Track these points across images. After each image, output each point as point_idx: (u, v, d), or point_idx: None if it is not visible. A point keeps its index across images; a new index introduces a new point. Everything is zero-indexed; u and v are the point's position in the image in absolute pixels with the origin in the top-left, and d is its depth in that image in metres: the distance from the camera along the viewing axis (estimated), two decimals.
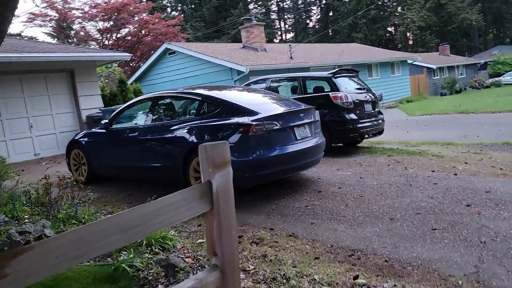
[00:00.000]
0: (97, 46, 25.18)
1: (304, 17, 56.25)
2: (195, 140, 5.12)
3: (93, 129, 6.77)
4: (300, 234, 3.91)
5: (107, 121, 6.35)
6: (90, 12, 24.48)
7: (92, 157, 6.54)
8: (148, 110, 5.91)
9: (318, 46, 26.33)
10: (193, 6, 49.34)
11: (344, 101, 7.41)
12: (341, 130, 7.45)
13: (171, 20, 27.27)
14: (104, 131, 6.34)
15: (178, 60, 17.43)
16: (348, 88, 7.75)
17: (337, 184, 5.58)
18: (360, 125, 7.54)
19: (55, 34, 26.79)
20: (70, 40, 27.33)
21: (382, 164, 6.69)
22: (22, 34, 30.69)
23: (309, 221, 4.24)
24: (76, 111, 11.51)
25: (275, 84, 8.63)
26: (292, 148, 5.02)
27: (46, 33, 27.20)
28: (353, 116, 7.50)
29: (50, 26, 25.48)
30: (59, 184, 5.15)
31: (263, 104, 5.34)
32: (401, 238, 3.65)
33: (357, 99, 7.71)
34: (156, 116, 5.83)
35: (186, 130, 5.25)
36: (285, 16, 57.92)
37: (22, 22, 26.90)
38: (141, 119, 6.02)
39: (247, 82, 9.11)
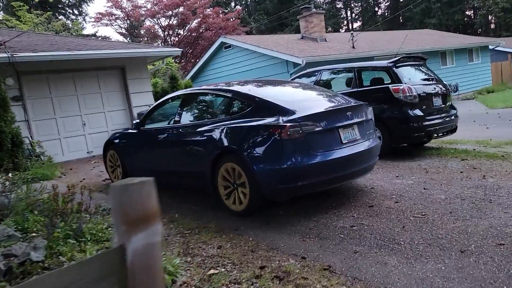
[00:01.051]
0: (160, 44, 25.65)
1: (372, 3, 53.35)
2: (223, 144, 4.45)
3: (127, 129, 6.38)
4: (338, 268, 3.07)
5: (138, 120, 5.91)
6: (152, 9, 24.92)
7: (125, 159, 6.16)
8: (177, 109, 5.35)
9: (383, 34, 24.45)
10: None
11: (407, 94, 6.30)
12: (403, 128, 6.36)
13: (230, 13, 26.96)
14: (136, 131, 5.91)
15: (234, 54, 16.96)
16: (412, 79, 6.61)
17: (394, 196, 4.60)
18: (426, 123, 6.39)
19: (127, 33, 27.72)
20: (140, 39, 28.12)
21: (454, 171, 5.53)
22: (96, 34, 32.34)
23: (352, 249, 3.37)
24: (127, 108, 11.44)
25: (327, 77, 7.70)
26: (336, 154, 4.15)
27: (119, 33, 28.27)
28: (418, 112, 6.36)
29: (116, 25, 26.38)
30: (81, 190, 4.75)
31: (303, 101, 4.51)
32: (476, 284, 2.68)
33: (424, 92, 6.55)
34: (184, 116, 5.25)
35: (214, 132, 4.59)
36: (352, 5, 55.43)
37: (90, 22, 28.06)
38: (170, 119, 5.48)
39: (296, 75, 8.26)
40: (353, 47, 16.64)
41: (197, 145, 4.84)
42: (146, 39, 27.05)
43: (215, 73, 18.06)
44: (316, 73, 7.65)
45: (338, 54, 15.22)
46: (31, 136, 9.60)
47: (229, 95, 4.73)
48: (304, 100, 4.56)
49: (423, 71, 7.19)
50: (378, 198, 4.57)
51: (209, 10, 26.24)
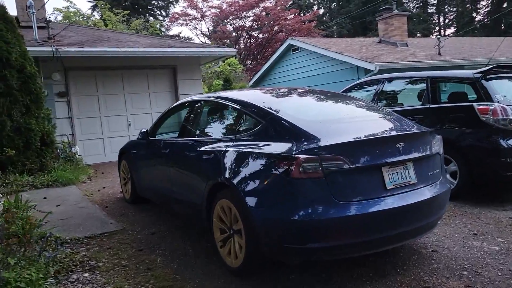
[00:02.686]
0: (232, 45, 25.20)
1: (469, 8, 48.36)
2: (219, 173, 3.29)
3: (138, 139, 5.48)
4: None
5: (145, 130, 4.98)
6: (227, 10, 24.55)
7: (134, 173, 5.27)
8: (182, 120, 4.30)
9: (478, 40, 21.36)
10: (340, 3, 46.98)
11: (500, 117, 4.59)
12: (491, 163, 4.65)
13: (306, 15, 25.68)
14: (144, 141, 4.98)
15: (302, 57, 15.66)
16: (509, 97, 4.85)
17: (465, 273, 3.06)
18: None
19: (206, 34, 27.75)
20: (216, 40, 28.04)
21: None
22: (180, 35, 33.07)
23: None
24: None
25: (391, 88, 6.14)
26: (374, 205, 2.77)
27: (202, 34, 28.40)
28: None
29: (191, 25, 26.49)
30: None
31: (334, 123, 3.17)
32: None
33: None
34: (185, 129, 4.17)
35: (211, 156, 3.45)
36: (446, 9, 50.82)
37: (169, 22, 28.63)
38: (174, 131, 4.44)
39: (353, 84, 6.77)
40: (439, 53, 14.44)
41: (194, 169, 3.73)
42: (219, 40, 26.83)
43: (281, 77, 16.92)
44: (378, 82, 6.13)
45: (419, 61, 13.22)
46: (72, 135, 9.28)
47: (237, 106, 3.54)
48: (336, 121, 3.21)
49: None
50: (440, 273, 3.07)
51: (281, 10, 25.25)
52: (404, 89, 6.18)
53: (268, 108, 3.30)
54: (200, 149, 3.63)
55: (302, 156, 2.68)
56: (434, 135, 3.31)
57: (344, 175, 2.73)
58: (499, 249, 3.48)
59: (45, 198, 5.84)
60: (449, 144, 4.88)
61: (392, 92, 6.10)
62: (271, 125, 3.13)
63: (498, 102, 4.67)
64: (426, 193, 3.03)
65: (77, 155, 8.58)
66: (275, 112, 3.20)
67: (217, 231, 3.38)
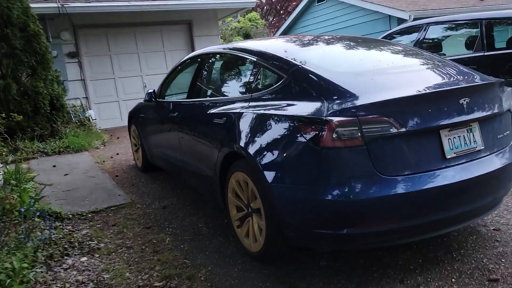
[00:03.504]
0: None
1: None
2: (232, 142, 2.72)
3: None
4: None
5: (152, 90, 4.41)
6: None
7: (144, 139, 4.77)
8: (191, 77, 3.69)
9: None
10: None
11: None
12: None
13: None
14: (153, 104, 4.42)
15: (328, 8, 14.52)
16: None
17: None
18: None
19: None
20: None
21: None
22: None
23: None
24: None
25: (437, 34, 5.28)
26: (430, 180, 2.15)
27: None
28: None
29: None
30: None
31: (375, 75, 2.49)
32: None
33: None
34: (195, 88, 3.57)
35: (224, 120, 2.87)
36: None
37: None
38: (183, 91, 3.85)
39: (387, 33, 5.89)
40: None
41: (205, 136, 3.17)
42: None
43: (305, 31, 15.85)
44: (420, 28, 5.27)
45: (460, 8, 11.94)
46: (86, 98, 8.85)
47: (254, 58, 2.90)
48: (378, 72, 2.52)
49: None
50: (509, 260, 2.47)
51: None
52: (449, 35, 5.32)
53: (291, 59, 2.64)
54: (211, 112, 3.04)
55: (335, 119, 2.07)
56: (504, 88, 2.60)
57: (391, 142, 2.11)
58: None
59: (54, 166, 5.47)
60: None
61: (437, 40, 5.25)
62: (295, 80, 2.49)
63: None
64: (494, 162, 2.38)
65: (91, 120, 8.18)
66: (300, 64, 2.55)
67: (233, 209, 2.86)
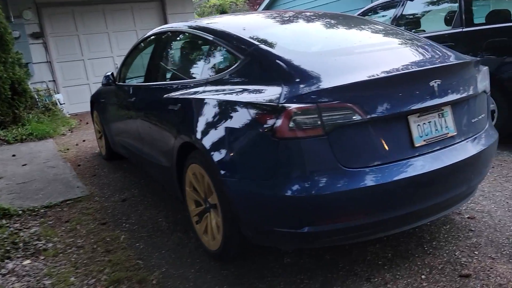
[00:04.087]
0: None
1: None
2: (185, 131, 2.48)
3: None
4: None
5: (110, 73, 4.09)
6: None
7: (105, 126, 4.48)
8: (149, 58, 3.40)
9: None
10: None
11: None
12: None
13: None
14: (113, 88, 4.12)
15: None
16: None
17: None
18: None
19: None
20: None
21: None
22: None
23: None
24: None
25: (414, 10, 5.03)
26: (396, 171, 1.95)
27: None
28: None
29: None
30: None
31: (338, 55, 2.23)
32: None
33: None
34: (151, 71, 3.29)
35: (178, 106, 2.61)
36: None
37: None
38: (142, 74, 3.56)
39: (365, 9, 5.59)
40: None
41: (160, 123, 2.91)
42: None
43: (288, 7, 15.37)
44: (398, 4, 5.01)
45: None
46: (53, 81, 8.42)
47: (210, 37, 2.62)
48: (344, 52, 2.27)
49: None
50: (482, 252, 2.31)
51: None
52: (429, 11, 5.07)
53: (250, 37, 2.38)
54: (165, 97, 2.78)
55: (292, 106, 1.84)
56: (480, 67, 2.39)
57: (355, 131, 1.89)
58: None
59: (14, 155, 5.15)
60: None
61: (413, 16, 5.01)
62: (253, 61, 2.24)
63: None
64: (468, 149, 2.19)
65: (59, 104, 7.79)
66: (258, 43, 2.29)
67: (192, 203, 2.63)
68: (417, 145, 2.02)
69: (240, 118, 2.06)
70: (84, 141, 5.98)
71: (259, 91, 2.05)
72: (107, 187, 3.88)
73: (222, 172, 2.11)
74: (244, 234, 2.16)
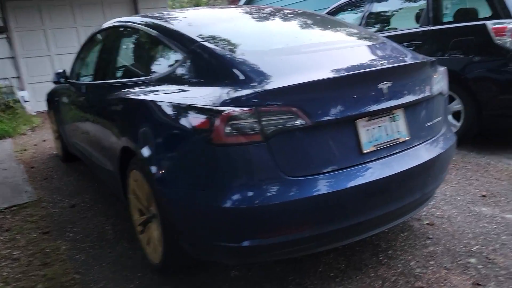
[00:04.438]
0: None
1: None
2: (125, 134, 2.31)
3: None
4: None
5: (62, 70, 3.87)
6: None
7: (60, 126, 4.25)
8: (97, 54, 3.20)
9: None
10: None
11: None
12: (506, 100, 3.66)
13: None
14: (66, 86, 3.89)
15: None
16: None
17: (473, 258, 2.20)
18: None
19: None
20: None
21: None
22: None
23: None
24: None
25: (383, 7, 4.92)
26: (344, 180, 1.81)
27: None
28: None
29: None
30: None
31: (285, 53, 2.08)
32: None
33: None
34: (99, 68, 3.10)
35: (119, 108, 2.44)
36: None
37: None
38: (90, 70, 3.35)
39: (333, 6, 5.46)
40: None
41: (104, 124, 2.72)
42: None
43: (269, 3, 15.19)
44: (366, 2, 4.89)
45: None
46: (17, 78, 8.08)
47: (153, 33, 2.44)
48: (292, 51, 2.12)
49: None
50: (438, 262, 2.20)
51: None
52: (400, 8, 4.97)
53: (194, 34, 2.21)
54: (108, 98, 2.59)
55: (228, 109, 1.68)
56: (436, 67, 2.28)
57: (298, 137, 1.75)
58: None
59: None
60: (453, 76, 3.81)
61: (384, 13, 4.90)
62: (195, 59, 2.08)
63: None
64: (422, 154, 2.07)
65: (23, 102, 7.47)
66: (202, 40, 2.13)
67: (135, 212, 2.46)
68: (365, 151, 1.89)
69: (176, 121, 1.89)
70: (44, 141, 5.72)
71: (199, 92, 1.90)
72: (58, 191, 3.66)
73: (158, 180, 1.95)
74: (184, 248, 2.00)
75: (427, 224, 2.62)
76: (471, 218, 2.64)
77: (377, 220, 2.00)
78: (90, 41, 3.59)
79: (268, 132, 1.69)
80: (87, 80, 3.38)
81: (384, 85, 1.90)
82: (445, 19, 4.20)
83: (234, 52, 2.02)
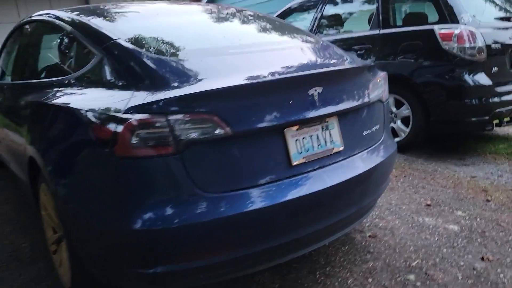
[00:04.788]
0: None
1: None
2: (31, 145, 2.04)
3: None
4: None
5: None
6: None
7: None
8: (15, 52, 2.89)
9: None
10: None
11: (467, 45, 3.48)
12: (453, 106, 3.63)
13: None
14: None
15: None
16: (479, 17, 3.71)
17: (412, 274, 2.08)
18: (496, 99, 3.60)
19: None
20: None
21: None
22: None
23: None
24: None
25: (335, 10, 4.82)
26: (270, 195, 1.63)
27: None
28: (482, 78, 3.56)
29: None
30: None
31: (208, 55, 1.87)
32: None
33: (497, 43, 3.68)
34: (16, 67, 2.81)
35: (28, 112, 2.16)
36: None
37: None
38: (8, 69, 3.04)
39: (284, 9, 5.29)
40: None
41: (16, 131, 2.42)
42: None
43: (238, 1, 14.87)
44: (318, 3, 4.76)
45: None
46: None
47: (69, 28, 2.18)
48: (214, 53, 1.92)
49: (500, 4, 4.20)
50: (376, 279, 2.07)
51: None
52: (353, 11, 4.88)
53: (113, 30, 1.97)
54: (17, 100, 2.32)
55: (135, 117, 1.46)
56: (376, 72, 2.14)
57: (217, 148, 1.56)
58: (459, 229, 2.53)
59: None
60: (402, 81, 3.80)
61: (336, 17, 4.79)
62: (108, 59, 1.84)
63: (465, 24, 3.54)
64: (358, 165, 1.93)
65: None
66: (116, 38, 1.89)
67: (49, 229, 2.19)
68: (295, 163, 1.72)
69: (78, 130, 1.66)
70: None
71: (108, 97, 1.66)
72: None
73: (61, 197, 1.71)
74: (91, 272, 1.77)
75: (369, 236, 2.49)
76: (414, 230, 2.54)
77: (309, 238, 1.84)
78: (11, 37, 3.25)
79: (181, 143, 1.49)
80: (6, 79, 3.06)
81: (315, 91, 1.74)
82: (395, 23, 4.14)
83: (151, 52, 1.80)
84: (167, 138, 1.48)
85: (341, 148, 1.87)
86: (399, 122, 3.89)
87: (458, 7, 3.61)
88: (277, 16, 5.00)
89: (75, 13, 2.28)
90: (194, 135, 1.51)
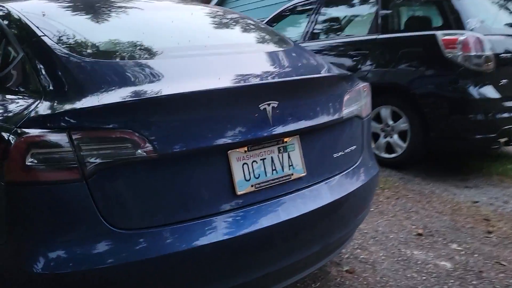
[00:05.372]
0: None
1: None
2: None
3: None
4: None
5: None
6: None
7: None
8: None
9: None
10: None
11: (473, 53, 3.12)
12: (455, 121, 3.26)
13: None
14: None
15: None
16: (487, 23, 3.35)
17: None
18: (503, 114, 3.23)
19: None
20: None
21: None
22: None
23: None
24: None
25: (332, 12, 4.47)
26: (206, 232, 1.32)
27: None
28: (489, 91, 3.19)
29: None
30: None
31: (138, 60, 1.56)
32: None
33: (509, 52, 3.32)
34: None
35: None
36: None
37: None
38: None
39: (278, 12, 4.90)
40: None
41: None
42: None
43: (238, 6, 14.67)
44: (314, 5, 4.41)
45: None
46: None
47: (5, 22, 1.89)
48: (152, 55, 1.60)
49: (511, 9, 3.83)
50: None
51: None
52: (351, 13, 4.53)
53: (41, 26, 1.68)
54: None
55: (31, 132, 1.17)
56: (354, 83, 1.81)
57: (138, 174, 1.26)
58: (452, 267, 2.17)
59: None
60: (400, 91, 3.46)
61: (333, 19, 4.44)
62: (28, 59, 1.55)
63: (472, 30, 3.18)
64: (324, 194, 1.60)
65: None
66: (43, 35, 1.60)
67: None
68: (240, 192, 1.40)
69: None
70: None
71: (11, 105, 1.38)
72: None
73: None
74: None
75: (346, 271, 2.15)
76: (399, 265, 2.20)
77: (259, 282, 1.51)
78: None
79: (89, 166, 1.19)
80: None
81: (268, 106, 1.42)
82: (395, 27, 3.79)
83: (76, 52, 1.50)
84: (71, 160, 1.18)
85: (303, 174, 1.54)
86: (395, 136, 3.53)
87: (465, 12, 3.25)
88: (269, 20, 4.69)
89: (14, 3, 2.00)
90: (106, 157, 1.21)
